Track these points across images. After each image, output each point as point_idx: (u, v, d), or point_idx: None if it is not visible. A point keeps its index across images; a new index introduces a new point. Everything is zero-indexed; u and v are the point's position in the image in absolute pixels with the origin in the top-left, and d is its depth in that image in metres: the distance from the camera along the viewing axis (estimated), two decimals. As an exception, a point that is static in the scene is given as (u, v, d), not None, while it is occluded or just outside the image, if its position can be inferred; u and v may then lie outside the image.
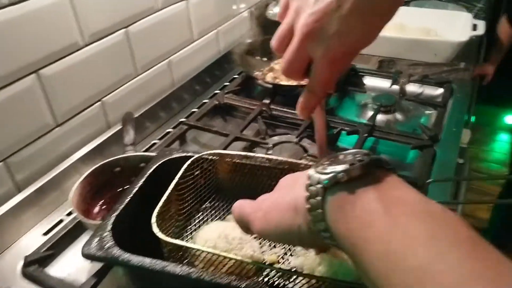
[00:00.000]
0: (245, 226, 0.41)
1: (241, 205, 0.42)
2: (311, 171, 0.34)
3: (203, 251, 0.48)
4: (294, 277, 0.47)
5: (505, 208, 1.65)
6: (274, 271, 0.49)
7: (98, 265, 0.67)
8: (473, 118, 1.51)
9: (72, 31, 0.82)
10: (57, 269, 0.71)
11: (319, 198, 0.32)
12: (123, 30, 0.94)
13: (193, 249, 0.50)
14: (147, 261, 0.46)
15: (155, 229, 0.49)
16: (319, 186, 0.32)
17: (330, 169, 0.32)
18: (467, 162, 0.98)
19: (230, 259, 0.47)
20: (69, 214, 0.80)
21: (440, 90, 1.12)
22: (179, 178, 0.57)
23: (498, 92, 1.70)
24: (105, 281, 0.66)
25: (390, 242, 0.28)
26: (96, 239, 0.50)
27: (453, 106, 1.05)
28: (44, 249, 0.72)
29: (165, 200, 0.53)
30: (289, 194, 0.38)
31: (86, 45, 0.86)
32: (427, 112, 1.08)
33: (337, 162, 0.33)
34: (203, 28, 1.19)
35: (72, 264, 0.72)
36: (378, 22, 0.38)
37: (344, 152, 0.35)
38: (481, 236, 0.27)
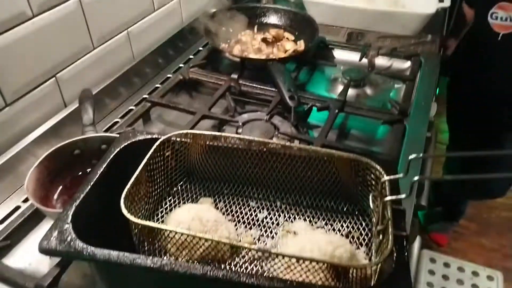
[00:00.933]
0: None
1: None
2: None
3: (176, 233, 0.45)
4: (272, 261, 0.45)
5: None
6: (251, 253, 0.47)
7: (60, 255, 0.63)
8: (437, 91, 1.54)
9: (18, 0, 0.74)
10: (16, 260, 0.66)
11: None
12: (76, -2, 0.86)
13: (166, 231, 0.47)
14: (114, 254, 0.43)
15: (124, 210, 0.45)
16: None
17: None
18: (433, 135, 0.99)
19: (206, 240, 0.45)
20: (26, 200, 0.75)
21: (408, 63, 1.12)
22: (148, 159, 0.53)
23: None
24: (69, 270, 0.62)
25: None
26: (56, 232, 0.45)
27: (421, 80, 1.05)
28: (0, 238, 0.66)
29: (133, 181, 0.49)
30: None
31: (35, 16, 0.77)
32: (396, 85, 1.07)
33: None
34: (164, -3, 1.12)
35: (32, 254, 0.67)
36: None
37: None
38: None
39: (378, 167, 0.47)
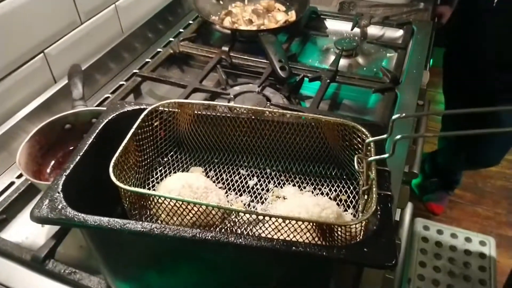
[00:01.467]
0: None
1: None
2: None
3: (166, 198, 0.45)
4: (260, 224, 0.46)
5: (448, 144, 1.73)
6: (240, 217, 0.48)
7: (57, 227, 0.64)
8: (431, 61, 1.52)
9: (0, -27, 0.73)
10: (12, 233, 0.67)
11: None
12: (60, -29, 0.84)
13: (156, 196, 0.47)
14: (104, 220, 0.43)
15: (113, 178, 0.46)
16: None
17: None
18: (426, 104, 0.99)
19: (195, 204, 0.45)
20: (20, 176, 0.75)
21: (401, 32, 1.11)
22: (136, 128, 0.53)
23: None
24: (65, 242, 0.63)
25: None
26: (47, 201, 0.46)
27: (413, 48, 1.04)
28: (-5, 214, 0.68)
29: (122, 150, 0.50)
30: None
31: (20, -11, 0.76)
32: (389, 54, 1.07)
33: None
34: (152, -31, 1.10)
35: (28, 227, 0.68)
36: None
37: None
38: None
39: (364, 130, 0.48)
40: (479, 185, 1.94)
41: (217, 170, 0.62)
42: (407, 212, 0.85)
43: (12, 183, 0.74)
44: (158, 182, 0.58)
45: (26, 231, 0.68)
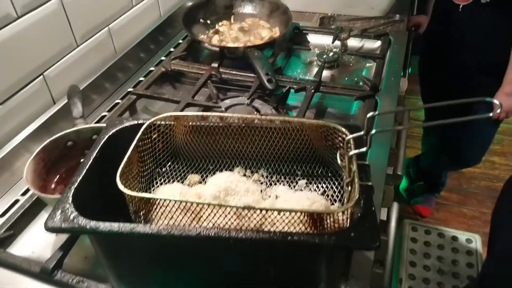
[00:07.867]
0: None
1: None
2: None
3: (170, 201, 0.48)
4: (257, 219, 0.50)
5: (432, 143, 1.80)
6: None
7: (62, 240, 0.68)
8: (410, 69, 1.60)
9: (2, 2, 0.77)
10: (20, 248, 0.70)
11: None
12: (56, -2, 0.89)
13: (160, 200, 0.50)
14: (115, 226, 0.47)
15: (120, 186, 0.49)
16: None
17: None
18: (406, 110, 1.05)
19: (192, 204, 0.49)
20: (25, 193, 0.79)
21: (378, 43, 1.18)
22: (138, 141, 0.57)
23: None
24: (72, 253, 0.67)
25: None
26: (59, 212, 0.50)
27: (390, 57, 1.11)
28: (2, 230, 0.70)
29: (126, 161, 0.54)
30: None
31: (19, 17, 0.81)
32: (368, 64, 1.13)
33: None
34: (141, -7, 1.16)
35: (35, 242, 0.71)
36: None
37: None
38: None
39: (344, 129, 0.53)
40: (464, 186, 2.01)
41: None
42: (393, 211, 0.90)
43: (17, 201, 0.77)
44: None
45: (32, 245, 0.71)
